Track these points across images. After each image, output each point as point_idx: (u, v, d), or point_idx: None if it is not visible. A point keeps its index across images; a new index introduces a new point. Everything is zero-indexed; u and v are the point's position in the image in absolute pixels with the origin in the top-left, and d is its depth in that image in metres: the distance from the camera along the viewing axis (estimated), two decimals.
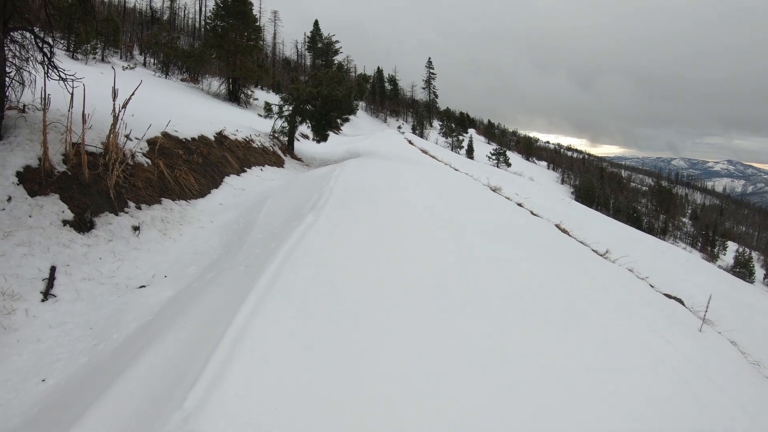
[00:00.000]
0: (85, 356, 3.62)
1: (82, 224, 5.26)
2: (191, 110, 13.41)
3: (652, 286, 6.09)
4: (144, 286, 4.43)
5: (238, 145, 10.99)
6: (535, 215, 9.37)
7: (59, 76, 6.39)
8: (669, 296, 5.55)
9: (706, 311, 5.01)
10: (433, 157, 22.76)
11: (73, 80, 6.27)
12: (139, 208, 5.96)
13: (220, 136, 10.52)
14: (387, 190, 7.35)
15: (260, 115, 16.07)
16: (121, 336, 3.63)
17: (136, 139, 7.37)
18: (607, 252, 7.04)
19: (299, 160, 15.43)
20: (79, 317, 4.11)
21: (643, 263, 8.29)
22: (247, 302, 2.74)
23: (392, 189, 7.65)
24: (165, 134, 8.39)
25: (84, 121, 5.93)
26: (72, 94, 5.98)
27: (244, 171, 10.07)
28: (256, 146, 12.33)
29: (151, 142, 7.68)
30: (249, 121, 15.84)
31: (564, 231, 8.66)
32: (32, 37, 6.24)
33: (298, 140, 20.39)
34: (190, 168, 7.88)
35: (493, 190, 12.78)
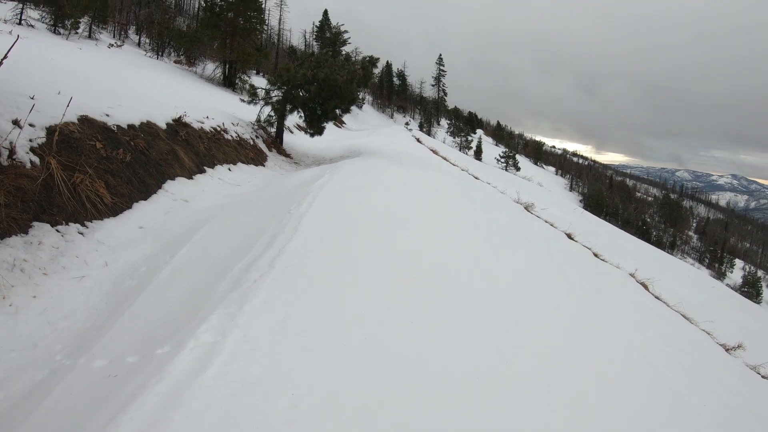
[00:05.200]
0: None
1: None
2: (161, 92, 10.73)
3: None
4: None
5: (202, 136, 8.35)
6: (597, 256, 6.80)
7: None
8: None
9: None
10: (445, 158, 20.09)
11: None
12: None
13: (177, 124, 7.88)
14: (386, 236, 4.75)
15: (243, 101, 13.38)
16: None
17: (30, 126, 4.79)
18: (739, 346, 4.49)
19: (288, 156, 12.80)
20: None
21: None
22: None
23: (395, 230, 5.04)
24: (84, 119, 5.75)
25: None
26: None
27: (203, 171, 7.44)
28: (230, 138, 9.69)
29: (53, 131, 5.07)
30: (232, 108, 13.16)
31: (644, 285, 6.12)
32: None
33: (291, 132, 17.71)
34: (105, 169, 5.26)
35: (527, 209, 10.21)
